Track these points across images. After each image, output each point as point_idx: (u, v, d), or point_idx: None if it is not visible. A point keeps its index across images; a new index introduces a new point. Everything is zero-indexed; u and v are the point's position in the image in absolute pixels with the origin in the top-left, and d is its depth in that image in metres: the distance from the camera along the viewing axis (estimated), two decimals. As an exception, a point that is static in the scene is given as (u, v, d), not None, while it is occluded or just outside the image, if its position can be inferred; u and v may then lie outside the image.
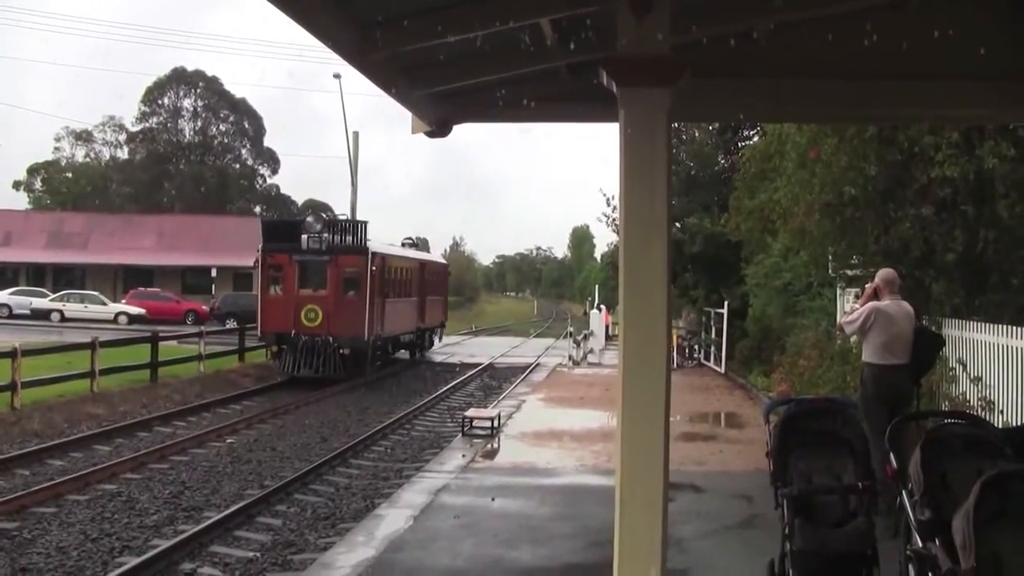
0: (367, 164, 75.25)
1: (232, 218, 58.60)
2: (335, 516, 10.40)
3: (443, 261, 40.59)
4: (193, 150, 72.79)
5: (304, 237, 23.79)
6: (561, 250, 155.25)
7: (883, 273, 8.23)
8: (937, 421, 5.99)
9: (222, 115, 73.06)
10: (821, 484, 5.16)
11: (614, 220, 26.57)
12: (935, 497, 4.22)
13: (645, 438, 4.33)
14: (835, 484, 5.16)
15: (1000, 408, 9.90)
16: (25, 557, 8.55)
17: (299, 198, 72.52)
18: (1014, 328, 9.74)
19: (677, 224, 24.59)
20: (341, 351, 22.94)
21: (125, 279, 50.06)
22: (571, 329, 30.70)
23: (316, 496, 11.36)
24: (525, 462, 11.43)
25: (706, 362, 25.55)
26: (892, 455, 5.00)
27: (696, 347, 26.82)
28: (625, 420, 4.37)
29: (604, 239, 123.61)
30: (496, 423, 13.75)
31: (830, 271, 16.06)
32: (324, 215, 27.60)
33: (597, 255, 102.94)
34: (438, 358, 31.50)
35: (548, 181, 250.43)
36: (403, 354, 29.95)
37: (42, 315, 40.59)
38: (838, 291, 16.97)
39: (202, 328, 28.27)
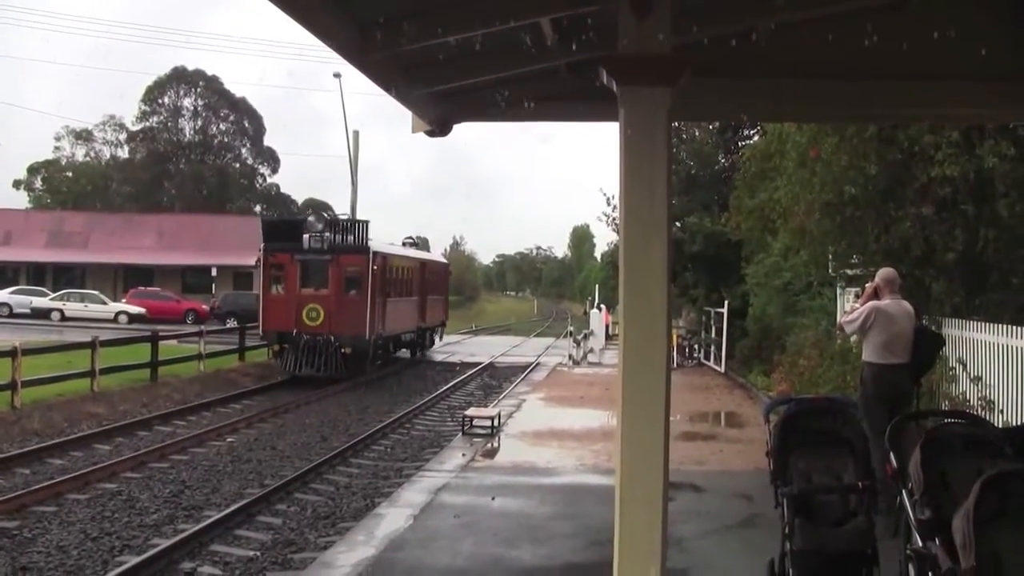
0: (367, 163, 75.68)
1: (232, 217, 58.61)
2: (335, 515, 10.41)
3: (444, 260, 40.55)
4: (193, 149, 72.80)
5: (306, 236, 23.82)
6: (561, 249, 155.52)
7: (883, 272, 8.23)
8: (937, 420, 5.98)
9: (222, 114, 73.06)
10: (821, 483, 5.17)
11: (614, 219, 26.56)
12: (935, 496, 4.22)
13: (645, 437, 4.32)
14: (835, 483, 5.16)
15: (1000, 408, 9.89)
16: (25, 556, 8.56)
17: (299, 197, 72.76)
18: (1014, 327, 9.74)
19: (677, 223, 24.58)
20: (342, 350, 22.95)
21: (125, 278, 50.02)
22: (571, 328, 30.72)
23: (316, 495, 11.37)
24: (525, 461, 11.43)
25: (706, 361, 25.54)
26: (892, 454, 5.00)
27: (696, 346, 26.84)
28: (625, 419, 4.36)
29: (604, 238, 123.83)
30: (496, 422, 13.76)
31: (830, 270, 16.04)
32: (325, 214, 27.63)
33: (597, 254, 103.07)
34: (438, 357, 31.52)
35: (548, 180, 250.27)
36: (404, 353, 29.98)
37: (42, 314, 40.59)
38: (838, 290, 16.96)
39: (202, 327, 28.23)
